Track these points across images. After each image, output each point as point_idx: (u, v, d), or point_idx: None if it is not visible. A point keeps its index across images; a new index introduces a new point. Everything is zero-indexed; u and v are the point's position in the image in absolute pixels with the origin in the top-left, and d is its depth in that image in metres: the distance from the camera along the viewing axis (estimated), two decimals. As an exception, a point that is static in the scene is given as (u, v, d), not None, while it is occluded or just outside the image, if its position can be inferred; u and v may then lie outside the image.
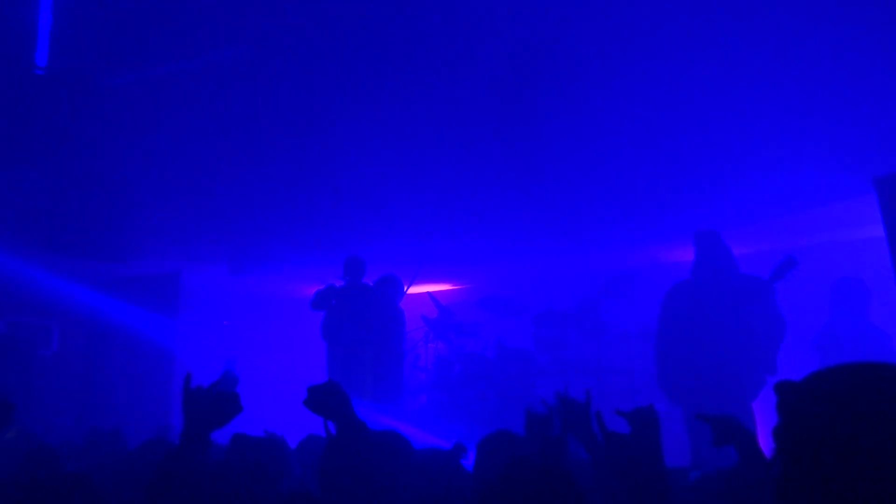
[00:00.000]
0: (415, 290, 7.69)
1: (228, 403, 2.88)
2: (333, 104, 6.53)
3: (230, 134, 6.89)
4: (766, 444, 3.42)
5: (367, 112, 6.62)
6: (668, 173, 6.03)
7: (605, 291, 7.43)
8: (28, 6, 5.21)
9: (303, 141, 6.93)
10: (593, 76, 5.80)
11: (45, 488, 3.12)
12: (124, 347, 8.09)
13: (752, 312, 5.05)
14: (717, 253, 5.23)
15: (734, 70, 5.36)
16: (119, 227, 7.29)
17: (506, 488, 2.05)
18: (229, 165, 7.17)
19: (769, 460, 2.81)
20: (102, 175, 6.93)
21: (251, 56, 6.09)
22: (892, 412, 1.30)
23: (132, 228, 7.40)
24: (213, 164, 7.13)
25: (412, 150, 6.84)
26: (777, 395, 1.46)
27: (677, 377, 5.21)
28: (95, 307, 8.33)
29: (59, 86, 5.79)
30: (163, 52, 6.03)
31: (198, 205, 7.43)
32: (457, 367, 7.44)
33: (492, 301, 7.97)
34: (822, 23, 4.58)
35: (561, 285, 7.97)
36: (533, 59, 5.84)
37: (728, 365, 4.96)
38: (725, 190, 6.03)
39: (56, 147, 6.52)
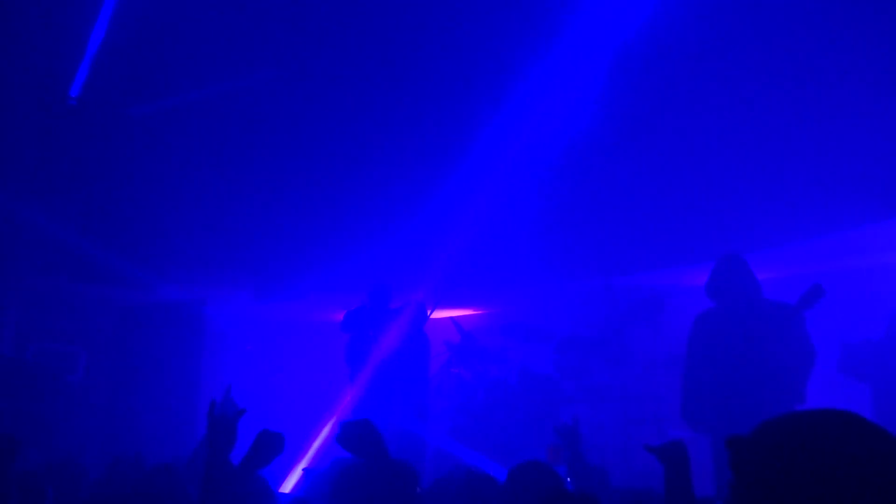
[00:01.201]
0: (438, 315, 7.68)
1: (273, 442, 2.96)
2: (357, 131, 6.59)
3: (255, 163, 6.97)
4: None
5: (390, 138, 6.68)
6: (695, 196, 6.01)
7: (629, 318, 7.37)
8: (74, 41, 5.33)
9: (328, 168, 6.99)
10: (629, 100, 5.82)
11: None
12: (149, 374, 8.12)
13: (780, 340, 4.98)
14: (743, 278, 5.17)
15: (768, 95, 5.36)
16: (145, 254, 7.38)
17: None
18: (254, 193, 7.24)
19: None
20: (129, 204, 7.03)
21: (277, 83, 6.18)
22: (823, 462, 1.35)
23: (158, 256, 7.48)
24: (238, 192, 7.21)
25: (437, 176, 6.88)
26: (728, 450, 1.51)
27: (703, 406, 5.14)
28: (121, 334, 8.38)
29: (89, 116, 5.89)
30: (190, 81, 6.13)
31: (222, 232, 7.50)
32: (480, 393, 7.40)
33: (515, 327, 7.94)
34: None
35: (585, 311, 7.92)
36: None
37: (755, 394, 4.89)
38: (752, 213, 5.99)
39: (85, 176, 6.63)
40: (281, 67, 6.02)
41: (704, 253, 6.02)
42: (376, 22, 5.61)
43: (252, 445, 3.04)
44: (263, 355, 9.21)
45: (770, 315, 5.02)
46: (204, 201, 7.15)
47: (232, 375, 8.24)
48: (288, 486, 6.56)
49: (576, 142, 6.05)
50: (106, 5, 5.22)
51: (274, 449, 3.01)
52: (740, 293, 5.13)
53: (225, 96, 6.31)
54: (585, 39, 5.54)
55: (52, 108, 5.76)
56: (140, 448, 6.45)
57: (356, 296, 7.31)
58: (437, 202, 7.01)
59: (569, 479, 4.14)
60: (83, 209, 6.85)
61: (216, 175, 7.07)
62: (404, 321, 6.69)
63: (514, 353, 7.80)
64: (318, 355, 9.13)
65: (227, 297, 8.54)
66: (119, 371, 8.30)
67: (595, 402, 7.06)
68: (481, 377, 7.59)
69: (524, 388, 7.13)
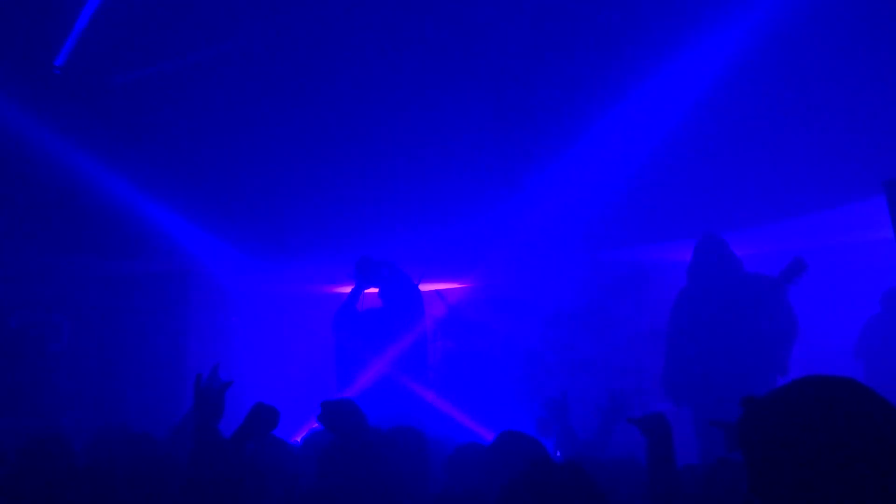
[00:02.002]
0: (423, 288, 7.70)
1: (267, 415, 2.99)
2: (342, 95, 6.57)
3: (238, 132, 6.93)
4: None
5: (378, 108, 6.66)
6: (678, 171, 6.04)
7: (613, 291, 7.44)
8: (66, 12, 5.26)
9: (310, 137, 6.96)
10: (598, 74, 5.84)
11: (57, 481, 3.17)
12: (134, 344, 8.13)
13: (761, 312, 5.06)
14: (723, 255, 5.25)
15: (744, 68, 5.38)
16: (129, 224, 7.33)
17: (527, 487, 2.08)
18: (238, 162, 7.21)
19: None
20: (113, 173, 6.97)
21: (259, 48, 6.14)
22: (837, 426, 1.42)
23: (142, 225, 7.43)
24: (222, 162, 7.17)
25: (422, 148, 6.87)
26: (743, 409, 1.55)
27: (685, 380, 5.21)
28: (106, 304, 8.37)
29: (73, 85, 5.84)
30: (173, 49, 6.08)
31: (207, 203, 7.47)
32: (464, 365, 7.46)
33: (500, 300, 7.99)
34: (835, 25, 4.60)
35: (570, 285, 7.97)
36: (541, 60, 5.87)
37: (736, 366, 4.97)
38: (735, 189, 6.03)
39: (67, 145, 6.57)
40: (267, 33, 5.97)
41: (689, 228, 6.08)
42: None
43: (246, 418, 3.05)
44: (250, 327, 9.22)
45: (750, 288, 5.10)
46: (188, 171, 7.11)
47: (218, 346, 8.26)
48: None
49: (562, 117, 6.07)
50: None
51: (268, 422, 3.04)
52: (720, 269, 5.21)
53: (205, 62, 6.26)
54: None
55: (37, 77, 5.69)
56: (124, 417, 6.49)
57: (340, 269, 7.31)
58: (419, 173, 7.01)
59: (558, 452, 4.23)
60: (68, 179, 6.79)
61: (200, 144, 7.03)
62: (395, 297, 6.55)
63: (498, 326, 7.85)
64: (305, 327, 9.16)
65: (213, 268, 8.52)
66: (103, 341, 8.30)
67: (578, 374, 7.13)
68: (466, 350, 7.65)
69: (509, 360, 7.19)
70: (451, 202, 7.10)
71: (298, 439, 4.87)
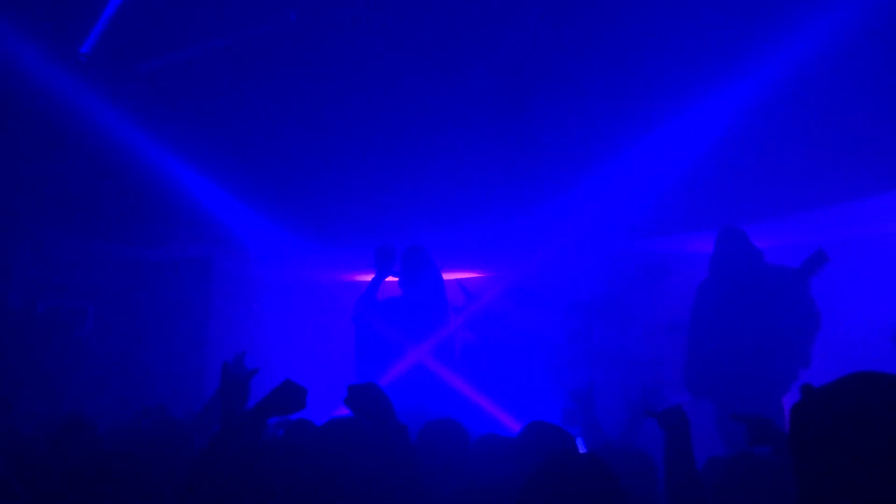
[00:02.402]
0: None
1: (295, 394, 3.00)
2: (367, 84, 6.59)
3: (256, 121, 6.97)
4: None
5: (395, 97, 6.68)
6: (700, 163, 6.02)
7: (633, 282, 7.44)
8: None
9: (330, 125, 6.99)
10: (624, 65, 5.82)
11: (87, 466, 3.23)
12: (157, 330, 8.24)
13: (782, 304, 5.05)
14: (744, 247, 5.24)
15: (765, 61, 5.35)
16: (153, 212, 7.42)
17: (549, 478, 2.11)
18: (258, 149, 7.26)
19: None
20: (138, 162, 7.05)
21: (279, 39, 6.15)
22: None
23: (166, 214, 7.52)
24: (243, 150, 7.23)
25: (442, 138, 6.89)
26: (801, 395, 1.52)
27: (707, 374, 5.22)
28: (130, 290, 8.48)
29: (99, 72, 5.90)
30: (195, 35, 6.12)
31: (229, 192, 7.53)
32: (484, 355, 7.49)
33: (520, 290, 8.01)
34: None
35: (590, 275, 7.98)
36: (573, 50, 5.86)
37: (758, 358, 4.97)
38: (756, 181, 6.01)
39: (93, 134, 6.65)
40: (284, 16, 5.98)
41: (710, 220, 6.07)
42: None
43: (273, 391, 3.03)
44: (272, 314, 9.31)
45: (771, 280, 5.09)
46: (209, 161, 7.17)
47: (240, 333, 8.35)
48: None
49: (586, 110, 6.07)
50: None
51: (295, 402, 3.02)
52: (741, 261, 5.20)
53: (230, 48, 6.29)
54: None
55: (63, 65, 5.76)
56: (147, 402, 6.58)
57: (360, 258, 7.35)
58: (439, 162, 7.03)
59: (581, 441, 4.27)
60: (94, 167, 6.87)
61: (221, 133, 7.08)
62: (419, 285, 6.48)
63: (518, 316, 7.88)
64: (328, 314, 9.22)
65: (234, 255, 8.60)
66: (127, 327, 8.42)
67: (597, 365, 7.15)
68: (485, 340, 7.68)
69: (527, 351, 7.22)
70: (473, 193, 7.12)
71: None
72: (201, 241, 8.18)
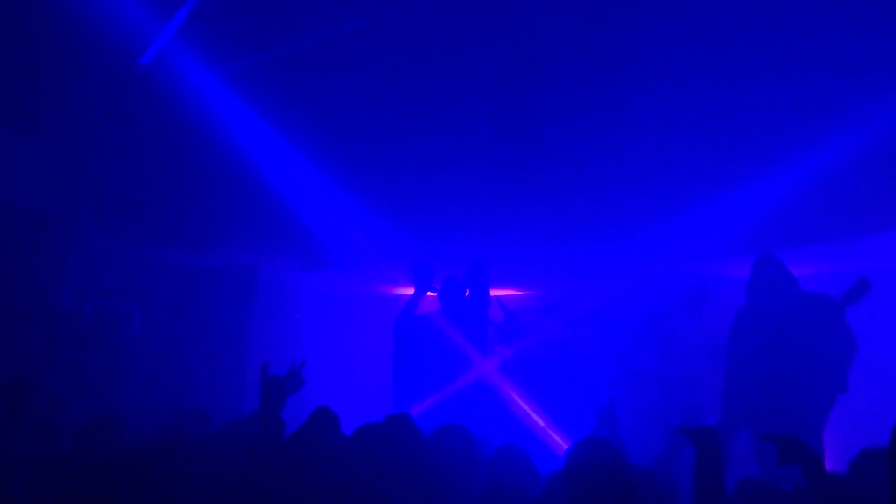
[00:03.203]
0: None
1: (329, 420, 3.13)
2: (404, 102, 6.67)
3: (306, 133, 7.10)
4: (834, 463, 3.41)
5: (443, 115, 6.75)
6: (736, 188, 6.00)
7: (673, 305, 7.41)
8: (156, 14, 5.50)
9: (375, 141, 7.09)
10: (678, 86, 5.82)
11: (105, 461, 3.34)
12: (201, 335, 8.40)
13: (819, 332, 5.01)
14: (780, 274, 5.22)
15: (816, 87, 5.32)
16: (203, 219, 7.60)
17: (570, 486, 2.15)
18: (307, 163, 7.38)
19: (835, 480, 2.83)
20: (190, 168, 7.24)
21: (335, 53, 6.26)
22: None
23: (215, 221, 7.69)
24: (292, 161, 7.36)
25: (487, 156, 6.94)
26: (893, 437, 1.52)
27: (744, 398, 5.19)
28: (176, 295, 8.67)
29: (156, 81, 6.09)
30: (250, 45, 6.27)
31: (276, 201, 7.67)
32: (521, 372, 7.50)
33: (558, 308, 8.02)
34: None
35: (629, 296, 7.96)
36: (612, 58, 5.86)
37: (797, 385, 4.93)
38: (794, 208, 5.95)
39: (147, 141, 6.86)
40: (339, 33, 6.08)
41: (748, 245, 6.03)
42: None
43: (307, 420, 3.20)
44: (312, 324, 9.43)
45: (808, 307, 5.06)
46: (261, 168, 7.32)
47: (280, 341, 8.48)
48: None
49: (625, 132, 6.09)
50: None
51: (328, 427, 3.17)
52: (777, 288, 5.18)
53: (283, 60, 6.42)
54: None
55: (122, 72, 5.96)
56: (189, 404, 6.72)
57: (403, 270, 7.41)
58: (484, 180, 7.08)
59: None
60: (147, 173, 7.08)
61: (271, 144, 7.22)
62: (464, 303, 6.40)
63: (555, 334, 7.89)
64: (367, 327, 9.31)
65: (278, 265, 8.75)
66: (172, 331, 8.60)
67: (634, 386, 7.13)
68: (523, 357, 7.69)
69: (564, 369, 7.22)
70: (517, 212, 7.15)
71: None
72: (248, 249, 8.34)
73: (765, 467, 4.87)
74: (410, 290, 6.65)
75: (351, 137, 6.99)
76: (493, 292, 8.27)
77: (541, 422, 6.53)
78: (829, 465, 3.33)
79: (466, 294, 6.32)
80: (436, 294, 6.49)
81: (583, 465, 2.21)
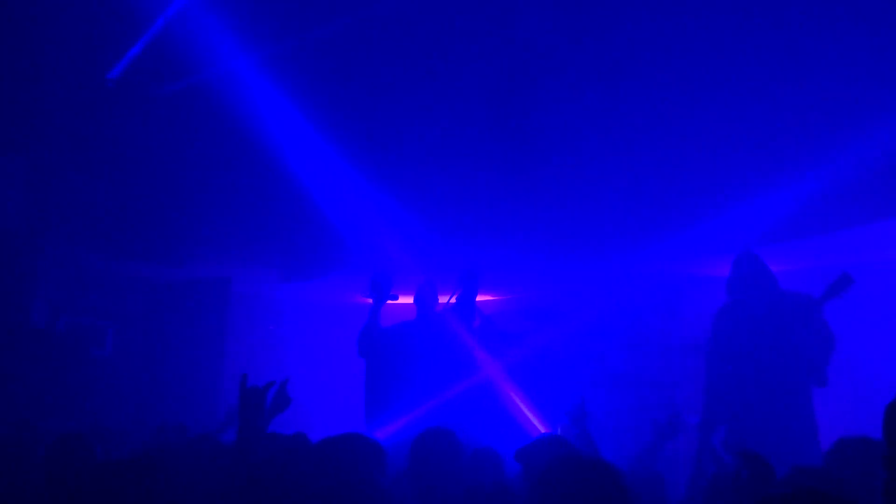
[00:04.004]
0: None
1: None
2: (378, 106, 6.66)
3: (277, 143, 7.07)
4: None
5: (415, 123, 6.76)
6: (714, 186, 6.06)
7: (647, 304, 7.47)
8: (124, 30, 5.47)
9: (351, 147, 7.08)
10: (643, 81, 5.85)
11: (77, 478, 3.30)
12: (175, 350, 8.33)
13: (800, 329, 5.07)
14: (758, 272, 5.28)
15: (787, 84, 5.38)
16: (175, 232, 7.55)
17: (555, 480, 2.16)
18: (279, 173, 7.36)
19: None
20: (159, 182, 7.19)
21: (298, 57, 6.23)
22: None
23: (187, 234, 7.64)
24: (264, 172, 7.33)
25: (458, 161, 6.95)
26: (885, 415, 1.55)
27: (726, 395, 5.22)
28: (149, 310, 8.60)
29: (124, 96, 6.05)
30: (216, 56, 6.24)
31: (250, 212, 7.64)
32: (501, 377, 7.51)
33: (535, 312, 8.05)
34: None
35: (604, 297, 8.02)
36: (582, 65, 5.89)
37: (777, 381, 4.99)
38: (775, 203, 6.02)
39: (116, 155, 6.81)
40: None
41: (723, 244, 6.10)
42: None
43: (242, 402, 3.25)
44: (287, 335, 9.39)
45: (788, 305, 5.12)
46: (232, 181, 7.29)
47: (255, 353, 8.44)
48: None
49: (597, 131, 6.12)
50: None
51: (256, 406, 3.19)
52: (756, 286, 5.24)
53: (246, 75, 6.39)
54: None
55: (90, 88, 5.93)
56: (164, 420, 6.66)
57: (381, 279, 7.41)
58: (456, 187, 7.09)
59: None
60: (116, 187, 7.03)
61: (241, 155, 7.20)
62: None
63: (532, 337, 7.91)
64: (342, 337, 9.28)
65: (252, 277, 8.71)
66: (146, 346, 8.53)
67: (611, 386, 7.17)
68: (502, 361, 7.70)
69: (541, 372, 7.24)
70: (490, 216, 7.17)
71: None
72: (220, 263, 8.30)
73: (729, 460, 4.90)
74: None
75: (342, 137, 6.96)
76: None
77: (527, 421, 6.54)
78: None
79: (451, 300, 6.24)
80: (412, 299, 6.43)
81: (567, 462, 2.22)
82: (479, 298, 6.58)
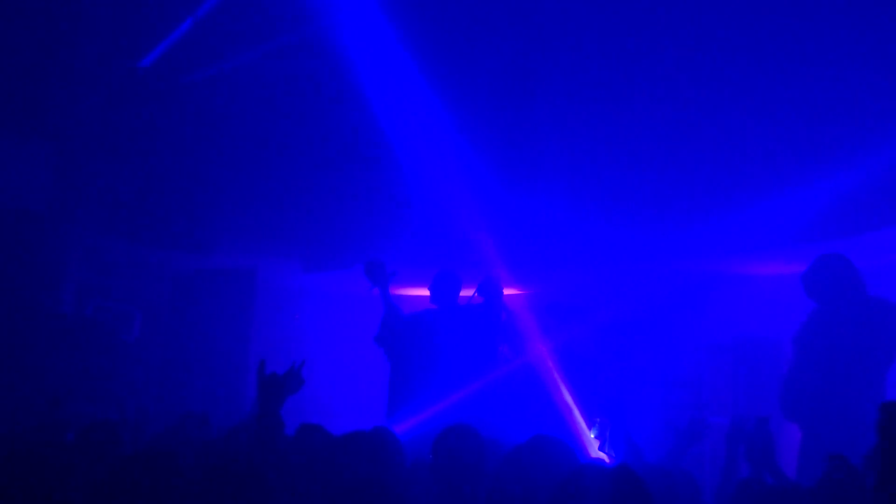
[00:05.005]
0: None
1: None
2: (404, 103, 6.64)
3: (306, 134, 7.09)
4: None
5: (438, 116, 6.73)
6: (744, 186, 5.96)
7: (674, 302, 7.38)
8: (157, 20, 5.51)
9: (377, 142, 7.07)
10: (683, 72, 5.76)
11: (105, 464, 3.32)
12: (201, 337, 8.38)
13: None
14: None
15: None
16: (201, 221, 7.60)
17: (580, 488, 2.11)
18: (305, 163, 7.37)
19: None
20: (188, 170, 7.24)
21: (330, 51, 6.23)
22: None
23: (214, 223, 7.69)
24: (290, 163, 7.35)
25: (485, 155, 6.92)
26: (881, 414, 1.51)
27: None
28: (176, 297, 8.66)
29: (155, 84, 6.09)
30: (240, 45, 6.27)
31: (276, 202, 7.66)
32: (523, 370, 7.46)
33: (560, 307, 7.99)
34: None
35: (630, 294, 7.93)
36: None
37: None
38: (790, 205, 5.90)
39: (145, 143, 6.86)
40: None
41: (750, 242, 6.00)
42: None
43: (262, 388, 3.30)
44: (313, 325, 9.40)
45: (873, 312, 5.01)
46: (260, 170, 7.31)
47: (279, 343, 8.46)
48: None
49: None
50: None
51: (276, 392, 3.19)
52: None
53: (280, 67, 6.41)
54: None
55: (121, 75, 5.97)
56: (189, 407, 6.70)
57: (403, 269, 7.38)
58: (484, 180, 7.05)
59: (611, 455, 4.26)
60: (146, 175, 7.08)
61: (270, 145, 7.22)
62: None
63: (556, 333, 7.85)
64: (365, 328, 9.27)
65: (277, 266, 8.73)
66: (172, 333, 8.59)
67: (637, 385, 7.09)
68: (524, 355, 7.65)
69: (565, 368, 7.18)
70: (516, 211, 7.12)
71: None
72: (246, 253, 8.33)
73: (804, 467, 4.79)
74: (408, 291, 6.55)
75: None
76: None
77: (571, 416, 6.46)
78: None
79: (474, 298, 6.19)
80: (429, 290, 6.35)
81: (590, 469, 2.19)
82: (505, 293, 6.52)
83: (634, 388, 7.13)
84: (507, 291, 8.62)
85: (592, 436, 5.20)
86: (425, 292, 6.46)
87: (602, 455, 4.56)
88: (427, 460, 3.54)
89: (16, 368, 6.50)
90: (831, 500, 2.62)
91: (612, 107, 5.98)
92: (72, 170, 6.90)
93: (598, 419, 4.42)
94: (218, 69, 6.44)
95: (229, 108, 6.88)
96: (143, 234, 7.54)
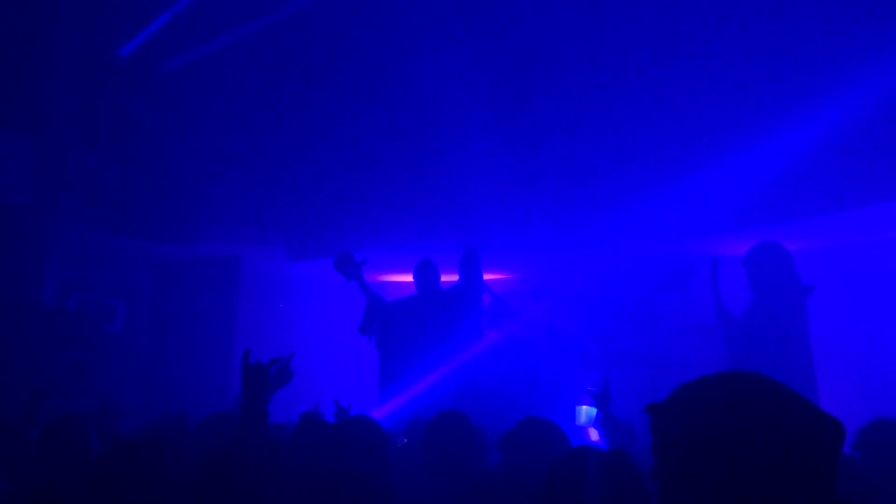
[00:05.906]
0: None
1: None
2: (394, 83, 6.61)
3: (288, 120, 7.04)
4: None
5: (426, 102, 6.71)
6: (724, 166, 5.97)
7: (658, 285, 7.40)
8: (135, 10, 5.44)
9: (360, 126, 7.04)
10: (664, 65, 5.77)
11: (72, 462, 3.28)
12: (185, 327, 8.32)
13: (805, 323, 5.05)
14: (781, 265, 5.20)
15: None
16: (184, 209, 7.53)
17: (572, 471, 2.11)
18: (288, 152, 7.33)
19: None
20: (168, 159, 7.17)
21: (308, 35, 6.19)
22: (735, 422, 1.41)
23: (196, 211, 7.62)
24: (273, 150, 7.31)
25: (470, 141, 6.90)
26: (649, 415, 1.53)
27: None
28: (159, 288, 8.59)
29: (134, 72, 6.02)
30: (221, 32, 6.21)
31: (258, 190, 7.62)
32: (508, 355, 7.47)
33: (545, 291, 8.00)
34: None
35: (615, 277, 7.95)
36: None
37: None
38: (776, 184, 5.93)
39: (125, 132, 6.78)
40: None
41: (734, 223, 6.02)
42: None
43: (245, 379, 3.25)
44: (298, 314, 9.37)
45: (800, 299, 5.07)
46: (241, 158, 7.26)
47: (264, 331, 8.42)
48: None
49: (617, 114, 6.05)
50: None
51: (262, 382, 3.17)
52: (777, 279, 5.17)
53: (260, 53, 6.36)
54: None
55: (100, 63, 5.90)
56: (173, 398, 6.66)
57: (388, 257, 7.37)
58: (467, 165, 7.03)
59: (601, 438, 4.28)
60: (126, 164, 7.00)
61: (252, 133, 7.17)
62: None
63: (542, 316, 7.86)
64: (352, 315, 9.25)
65: (261, 254, 8.69)
66: (156, 324, 8.53)
67: (622, 366, 7.12)
68: (510, 339, 7.66)
69: (552, 351, 7.20)
70: (500, 196, 7.11)
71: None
72: (230, 240, 8.28)
73: None
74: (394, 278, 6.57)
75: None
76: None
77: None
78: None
79: (457, 279, 6.22)
80: (413, 277, 6.37)
81: (582, 451, 2.18)
82: (487, 277, 6.52)
83: (620, 370, 7.15)
84: (488, 276, 8.64)
85: (583, 417, 5.22)
86: (409, 278, 6.46)
87: (593, 434, 4.58)
88: (419, 441, 3.54)
89: (-2, 362, 6.45)
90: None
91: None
92: (52, 161, 6.81)
93: (590, 390, 4.41)
94: (197, 56, 6.37)
95: (210, 95, 6.82)
96: (126, 224, 7.46)
